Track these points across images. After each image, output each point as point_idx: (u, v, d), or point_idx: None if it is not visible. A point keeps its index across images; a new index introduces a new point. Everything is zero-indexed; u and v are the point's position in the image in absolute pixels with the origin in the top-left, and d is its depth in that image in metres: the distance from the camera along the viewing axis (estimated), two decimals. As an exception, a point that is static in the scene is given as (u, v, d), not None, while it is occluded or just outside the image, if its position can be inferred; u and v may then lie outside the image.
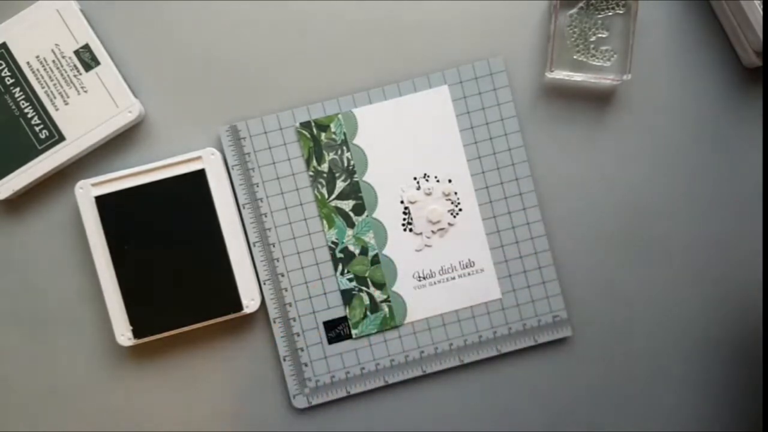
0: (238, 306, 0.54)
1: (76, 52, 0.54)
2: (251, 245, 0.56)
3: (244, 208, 0.56)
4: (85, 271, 0.56)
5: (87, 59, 0.54)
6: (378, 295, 0.56)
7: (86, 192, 0.54)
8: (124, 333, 0.54)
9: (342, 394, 0.56)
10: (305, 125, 0.56)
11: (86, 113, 0.54)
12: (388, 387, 0.57)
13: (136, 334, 0.54)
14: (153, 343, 0.56)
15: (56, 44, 0.54)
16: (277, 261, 0.56)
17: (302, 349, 0.56)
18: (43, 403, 0.57)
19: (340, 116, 0.56)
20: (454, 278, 0.56)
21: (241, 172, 0.56)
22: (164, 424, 0.56)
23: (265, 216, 0.56)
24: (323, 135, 0.56)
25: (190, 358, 0.57)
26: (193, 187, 0.54)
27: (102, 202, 0.54)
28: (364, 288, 0.56)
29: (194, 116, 0.56)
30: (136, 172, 0.54)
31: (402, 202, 0.56)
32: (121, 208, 0.54)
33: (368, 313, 0.56)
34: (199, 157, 0.54)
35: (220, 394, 0.57)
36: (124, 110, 0.54)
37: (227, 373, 0.56)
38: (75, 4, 0.54)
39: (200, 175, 0.54)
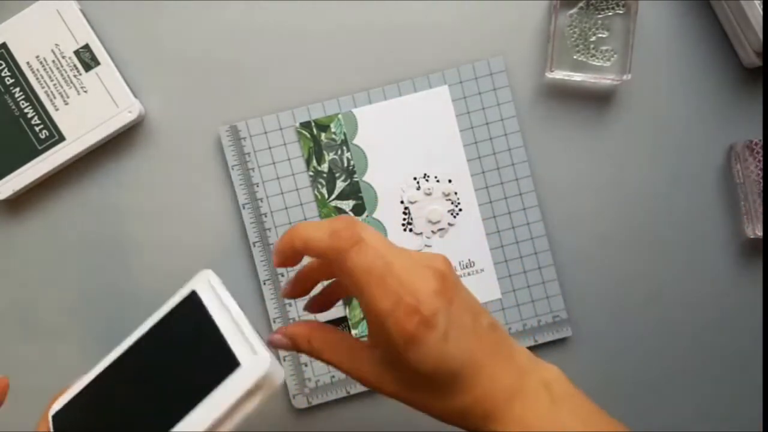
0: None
1: (76, 52, 0.54)
2: (251, 245, 0.56)
3: (244, 208, 0.56)
4: (84, 272, 0.56)
5: (87, 59, 0.54)
6: (378, 295, 0.56)
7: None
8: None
9: (342, 394, 0.56)
10: (305, 125, 0.56)
11: (86, 113, 0.54)
12: (388, 387, 0.57)
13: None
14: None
15: (56, 44, 0.54)
16: (277, 261, 0.56)
17: (302, 349, 0.56)
18: (42, 405, 0.56)
19: (340, 116, 0.56)
20: (454, 278, 0.56)
21: (241, 172, 0.56)
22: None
23: (265, 216, 0.56)
24: (323, 135, 0.56)
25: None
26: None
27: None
28: (364, 288, 0.56)
29: (194, 116, 0.56)
30: None
31: (402, 202, 0.56)
32: None
33: (368, 313, 0.56)
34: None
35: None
36: (124, 110, 0.54)
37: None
38: (75, 4, 0.54)
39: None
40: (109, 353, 0.39)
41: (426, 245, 0.56)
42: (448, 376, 0.36)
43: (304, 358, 0.56)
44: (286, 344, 0.41)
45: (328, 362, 0.39)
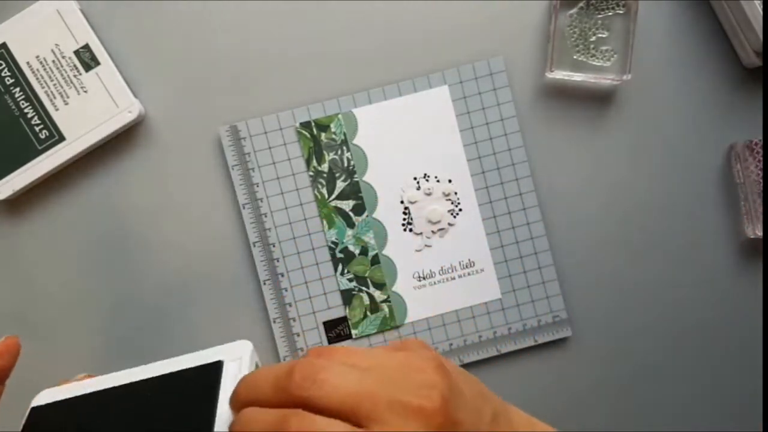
0: None
1: (76, 52, 0.54)
2: (251, 245, 0.56)
3: (244, 208, 0.56)
4: (84, 272, 0.56)
5: (87, 59, 0.54)
6: (378, 295, 0.56)
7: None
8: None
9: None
10: (305, 125, 0.56)
11: (86, 113, 0.54)
12: (388, 387, 0.57)
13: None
14: (153, 343, 0.56)
15: (56, 44, 0.54)
16: (277, 261, 0.56)
17: (302, 350, 0.56)
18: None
19: (340, 116, 0.56)
20: (454, 278, 0.56)
21: (241, 172, 0.56)
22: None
23: (265, 216, 0.56)
24: (323, 135, 0.56)
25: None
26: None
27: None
28: (364, 288, 0.56)
29: (194, 116, 0.56)
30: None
31: (402, 202, 0.56)
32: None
33: (368, 313, 0.56)
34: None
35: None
36: (124, 110, 0.54)
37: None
38: (75, 4, 0.54)
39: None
40: (114, 375, 0.36)
41: (426, 245, 0.56)
42: None
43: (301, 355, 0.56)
44: None
45: None
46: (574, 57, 0.55)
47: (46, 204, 0.56)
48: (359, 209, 0.56)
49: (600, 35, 0.55)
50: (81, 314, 0.56)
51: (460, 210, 0.56)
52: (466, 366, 0.57)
